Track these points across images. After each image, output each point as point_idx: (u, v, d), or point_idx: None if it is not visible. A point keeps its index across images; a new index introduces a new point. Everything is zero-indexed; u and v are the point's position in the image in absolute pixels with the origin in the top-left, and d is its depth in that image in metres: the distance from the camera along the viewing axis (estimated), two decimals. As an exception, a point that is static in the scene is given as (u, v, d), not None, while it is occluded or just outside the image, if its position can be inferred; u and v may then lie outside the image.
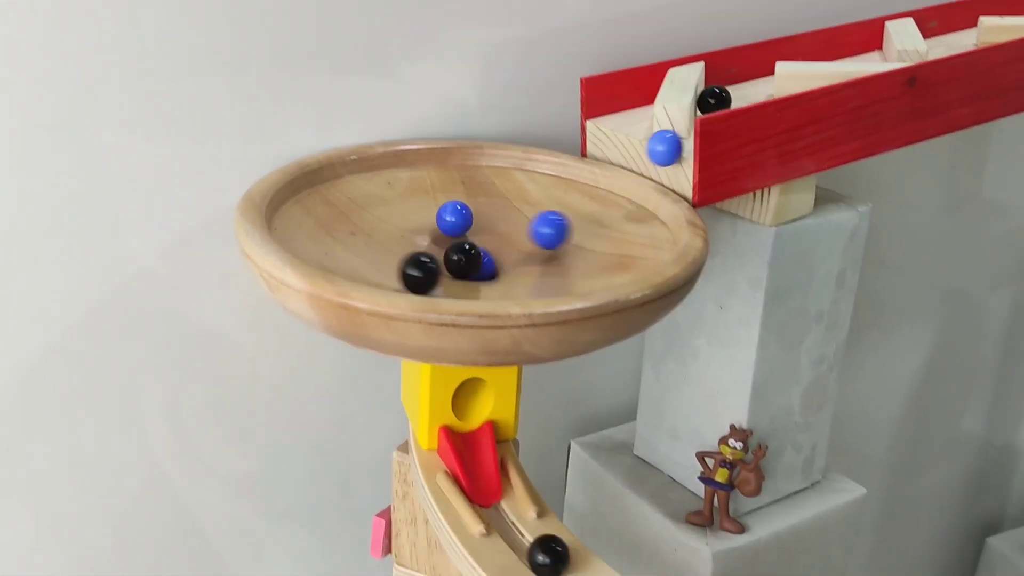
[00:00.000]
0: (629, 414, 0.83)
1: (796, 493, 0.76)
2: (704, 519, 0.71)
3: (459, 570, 0.54)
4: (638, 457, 0.79)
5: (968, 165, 1.06)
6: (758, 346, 0.68)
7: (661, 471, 0.77)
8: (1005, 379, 1.23)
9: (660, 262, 0.53)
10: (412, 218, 0.60)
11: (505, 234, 0.59)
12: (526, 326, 0.46)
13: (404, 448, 0.62)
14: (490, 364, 0.49)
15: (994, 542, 1.22)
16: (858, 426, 1.10)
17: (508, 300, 0.47)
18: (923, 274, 1.08)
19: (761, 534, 0.71)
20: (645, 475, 0.77)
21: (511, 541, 0.53)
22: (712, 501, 0.71)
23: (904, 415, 1.14)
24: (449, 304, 0.46)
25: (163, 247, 0.63)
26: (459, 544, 0.53)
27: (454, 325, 0.46)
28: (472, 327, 0.46)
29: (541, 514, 0.55)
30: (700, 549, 0.70)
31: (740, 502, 0.72)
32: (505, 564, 0.51)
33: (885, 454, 1.15)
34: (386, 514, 0.65)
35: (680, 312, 0.72)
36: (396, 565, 0.64)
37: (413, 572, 0.63)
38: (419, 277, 0.49)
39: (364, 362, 0.73)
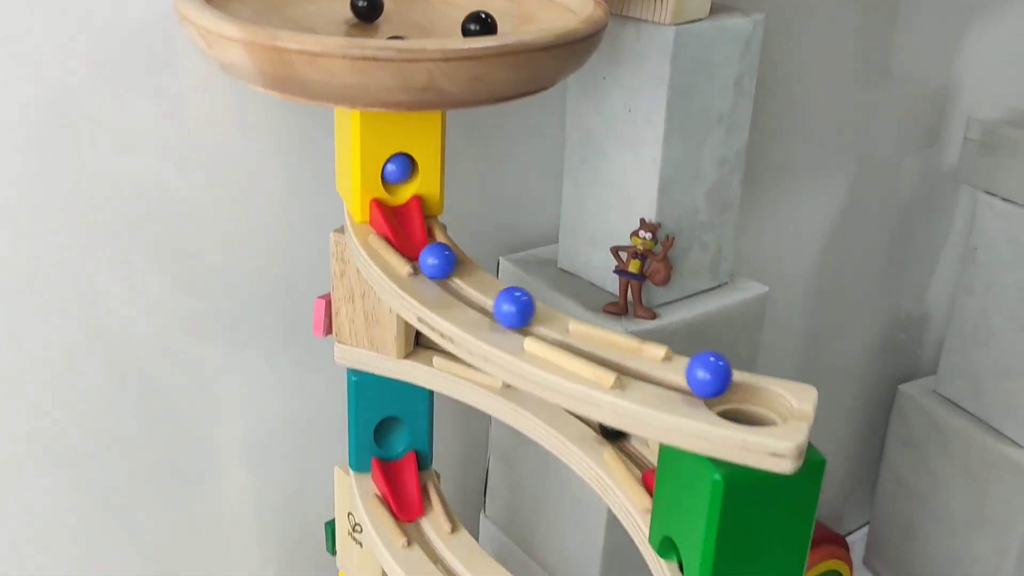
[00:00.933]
0: (553, 238, 0.90)
1: (705, 291, 0.83)
2: (619, 308, 0.78)
3: (392, 306, 0.61)
4: (561, 269, 0.86)
5: (878, 36, 1.13)
6: (663, 143, 0.74)
7: (582, 278, 0.84)
8: (914, 235, 1.31)
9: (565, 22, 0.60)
10: (342, 13, 0.66)
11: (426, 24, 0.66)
12: (440, 60, 0.52)
13: (340, 230, 0.68)
14: (412, 104, 0.55)
15: (905, 388, 1.31)
16: (772, 281, 1.18)
17: (426, 39, 0.53)
18: (835, 139, 1.15)
19: (672, 319, 0.78)
20: (567, 281, 0.84)
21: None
22: (626, 292, 0.78)
23: (817, 271, 1.22)
24: (371, 40, 0.52)
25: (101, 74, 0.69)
26: (389, 282, 0.59)
27: (375, 59, 0.51)
28: (391, 60, 0.51)
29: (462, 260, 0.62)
30: (615, 329, 0.77)
31: (652, 294, 0.79)
32: (436, 296, 0.58)
33: (799, 310, 1.22)
34: (327, 296, 0.71)
35: (593, 120, 0.79)
36: (337, 343, 0.70)
37: (352, 347, 0.70)
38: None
39: (302, 193, 0.79)
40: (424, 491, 0.72)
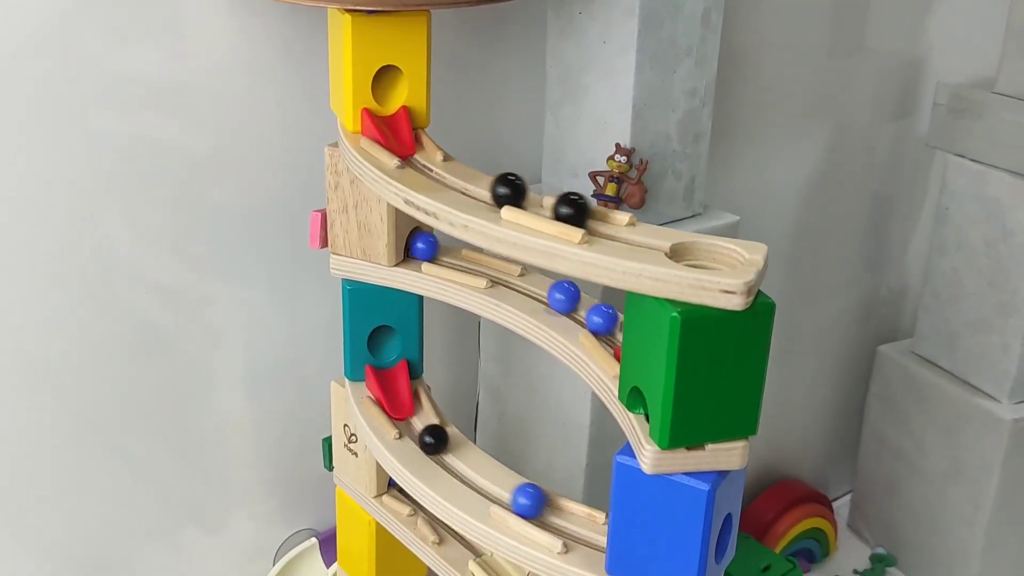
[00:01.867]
0: (537, 178, 0.94)
1: (679, 220, 0.88)
2: (598, 231, 0.83)
3: (381, 196, 0.66)
4: (545, 203, 0.91)
5: (850, 9, 1.19)
6: (635, 71, 0.80)
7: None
8: (890, 201, 1.36)
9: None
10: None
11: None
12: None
13: (334, 145, 0.73)
14: (397, 2, 0.60)
15: (885, 349, 1.36)
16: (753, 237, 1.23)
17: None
18: (808, 109, 1.20)
19: (647, 241, 0.83)
20: (550, 213, 0.89)
21: (424, 174, 0.65)
22: (604, 215, 0.83)
23: (794, 236, 1.26)
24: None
25: None
26: (378, 172, 0.64)
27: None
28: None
29: (446, 158, 0.67)
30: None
31: (629, 218, 0.84)
32: (422, 182, 0.63)
33: (777, 275, 1.27)
34: (322, 210, 0.75)
35: (572, 54, 0.84)
36: (332, 255, 0.75)
37: (347, 258, 0.74)
38: None
39: (298, 116, 0.84)
40: (415, 395, 0.76)
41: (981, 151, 1.21)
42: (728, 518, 0.57)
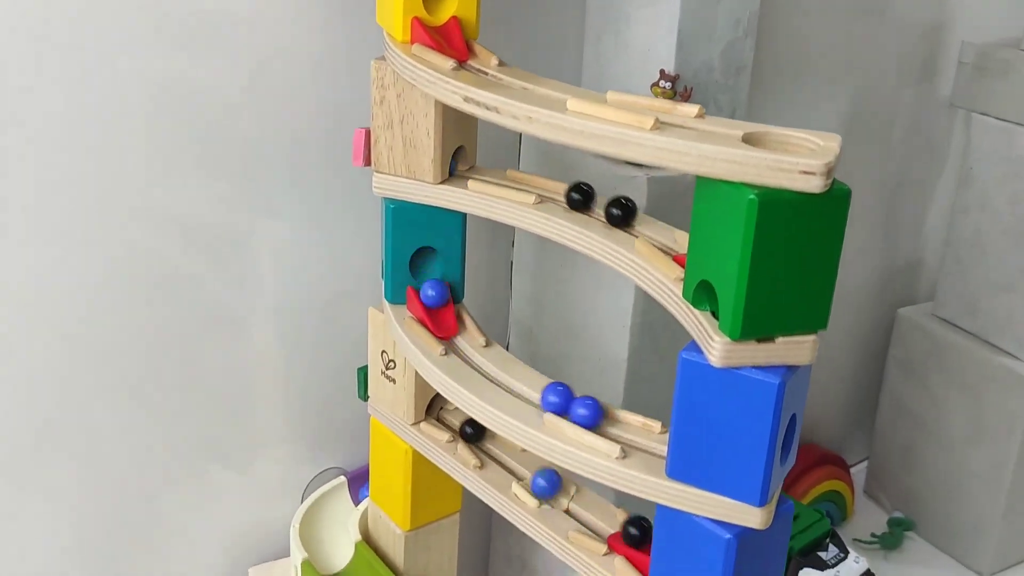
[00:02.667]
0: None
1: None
2: (640, 159, 0.82)
3: (436, 97, 0.65)
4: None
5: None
6: (681, 1, 0.79)
7: (603, 143, 0.88)
8: (912, 164, 1.36)
9: None
10: None
11: None
12: None
13: (381, 58, 0.72)
14: None
15: (905, 312, 1.35)
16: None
17: None
18: (832, 72, 1.19)
19: (690, 171, 0.82)
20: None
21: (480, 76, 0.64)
22: (647, 143, 0.82)
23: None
24: None
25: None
26: (434, 73, 0.63)
27: None
28: None
29: (501, 63, 0.66)
30: (637, 176, 0.81)
31: (671, 148, 0.83)
32: (481, 79, 0.62)
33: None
34: (366, 128, 0.74)
35: (615, -17, 0.83)
36: (376, 173, 0.74)
37: (390, 176, 0.73)
38: None
39: (334, 40, 0.83)
40: (458, 316, 0.75)
41: (1007, 109, 1.21)
42: (793, 419, 0.56)
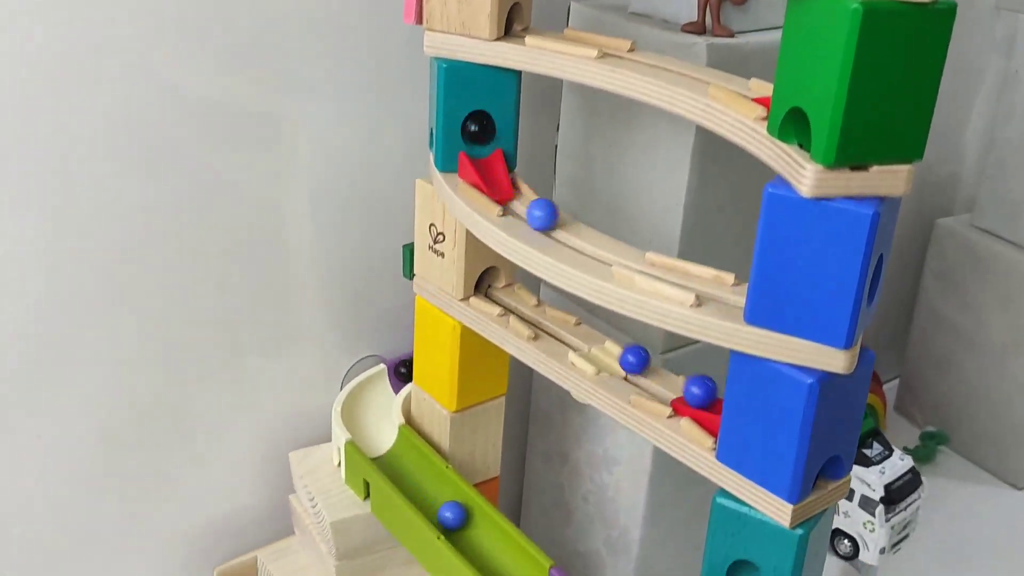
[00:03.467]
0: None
1: (779, 27, 0.84)
2: (698, 27, 0.79)
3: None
4: (633, 13, 0.86)
5: None
6: None
7: (655, 17, 0.85)
8: (952, 72, 1.32)
9: None
10: None
11: None
12: None
13: (435, -93, 0.69)
14: None
15: (943, 222, 1.33)
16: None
17: None
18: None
19: (748, 40, 0.79)
20: (640, 22, 0.84)
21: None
22: (705, 10, 0.79)
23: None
24: None
25: None
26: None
27: None
28: None
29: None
30: (696, 43, 0.78)
31: (729, 16, 0.80)
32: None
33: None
34: (418, -15, 0.71)
35: None
36: (427, 32, 0.71)
37: (443, 33, 0.70)
38: None
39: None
40: (513, 183, 0.72)
41: (1056, 8, 1.18)
42: (880, 260, 0.54)
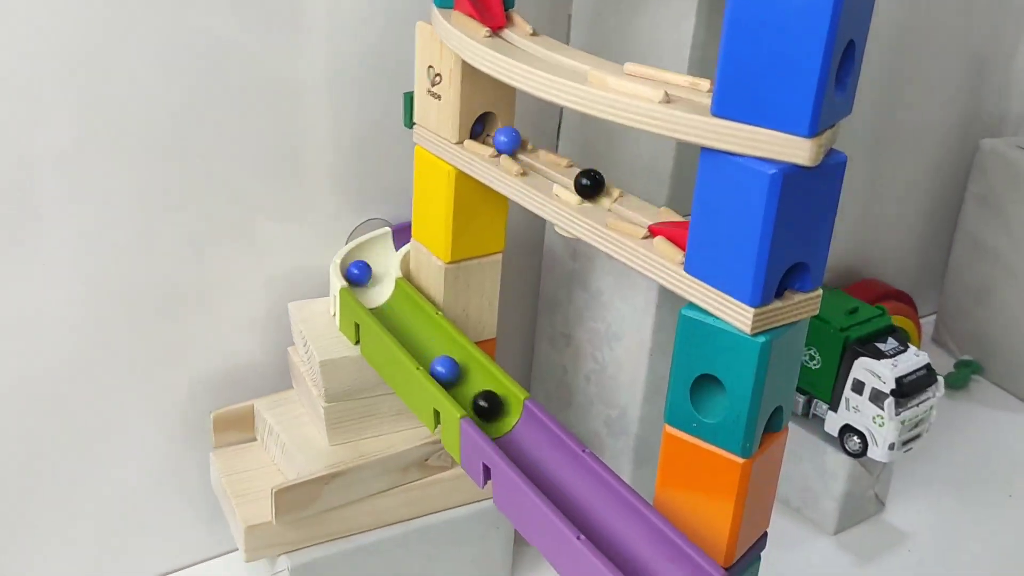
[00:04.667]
0: None
1: None
2: None
3: None
4: None
5: None
6: None
7: None
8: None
9: None
10: None
11: None
12: None
13: None
14: None
15: (988, 143, 1.29)
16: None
17: None
18: None
19: None
20: None
21: None
22: None
23: (899, 25, 1.20)
24: None
25: None
26: None
27: None
28: None
29: None
30: None
31: None
32: None
33: (880, 61, 1.20)
34: None
35: None
36: None
37: None
38: None
39: None
40: (508, 16, 0.72)
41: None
42: (852, 48, 0.52)
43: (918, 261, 1.40)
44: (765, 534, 0.66)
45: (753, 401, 0.57)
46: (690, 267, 0.58)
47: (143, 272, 0.84)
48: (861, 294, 1.27)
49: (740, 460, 0.59)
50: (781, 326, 0.57)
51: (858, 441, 0.98)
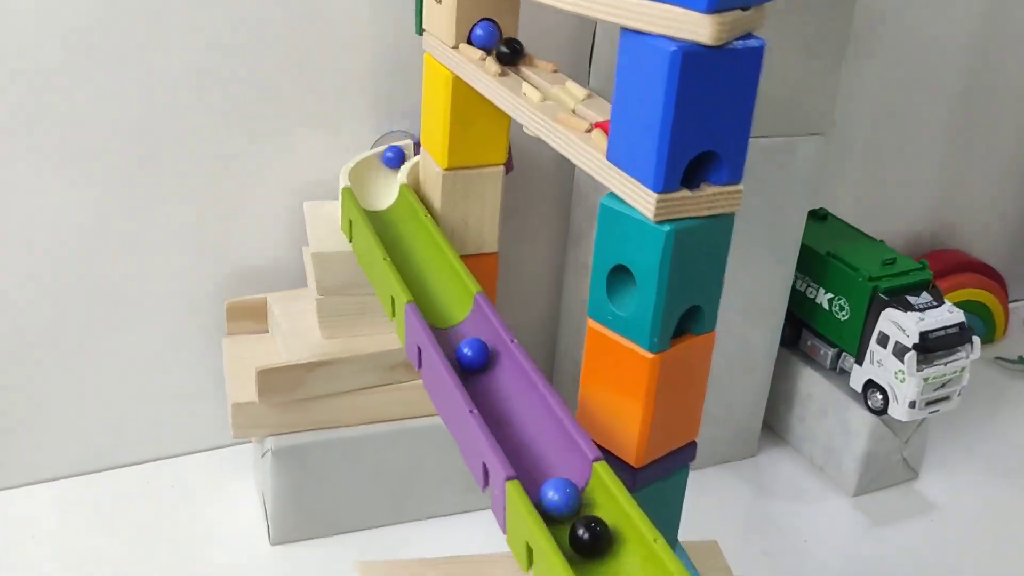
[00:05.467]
0: None
1: None
2: None
3: None
4: None
5: None
6: None
7: None
8: None
9: None
10: None
11: None
12: None
13: None
14: None
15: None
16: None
17: None
18: None
19: None
20: None
21: None
22: None
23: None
24: None
25: None
26: None
27: None
28: None
29: None
30: None
31: None
32: None
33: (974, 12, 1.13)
34: None
35: None
36: None
37: None
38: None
39: None
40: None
41: None
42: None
43: (1016, 241, 1.32)
44: (693, 445, 0.65)
45: (660, 293, 0.56)
46: (611, 154, 0.58)
47: (173, 159, 0.90)
48: (938, 261, 1.21)
49: (649, 355, 0.58)
50: (693, 218, 0.56)
51: (880, 398, 0.93)
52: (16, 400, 0.92)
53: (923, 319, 0.90)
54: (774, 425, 1.06)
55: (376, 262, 0.76)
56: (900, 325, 0.90)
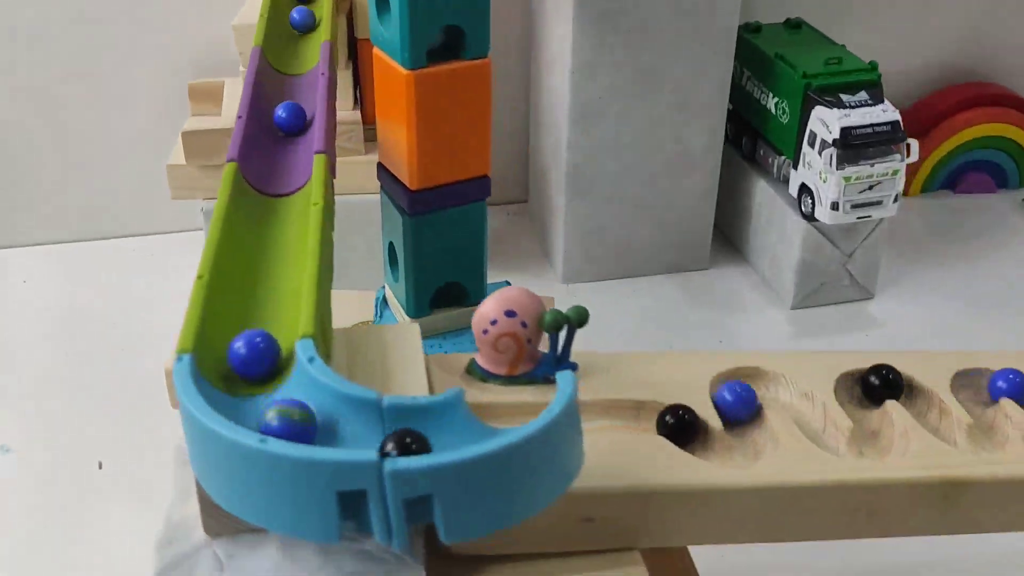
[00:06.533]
0: None
1: None
2: None
3: None
4: None
5: None
6: None
7: None
8: None
9: None
10: None
11: None
12: None
13: None
14: None
15: None
16: None
17: None
18: None
19: None
20: None
21: None
22: None
23: None
24: None
25: None
26: None
27: None
28: None
29: None
30: None
31: None
32: None
33: None
34: None
35: None
36: None
37: None
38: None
39: None
40: None
41: None
42: None
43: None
44: (486, 179, 0.66)
45: (411, 8, 0.58)
46: None
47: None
48: (963, 92, 1.13)
49: (403, 71, 0.60)
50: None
51: (811, 202, 0.90)
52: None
53: (848, 115, 0.86)
54: (733, 239, 1.05)
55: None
56: (824, 121, 0.87)
